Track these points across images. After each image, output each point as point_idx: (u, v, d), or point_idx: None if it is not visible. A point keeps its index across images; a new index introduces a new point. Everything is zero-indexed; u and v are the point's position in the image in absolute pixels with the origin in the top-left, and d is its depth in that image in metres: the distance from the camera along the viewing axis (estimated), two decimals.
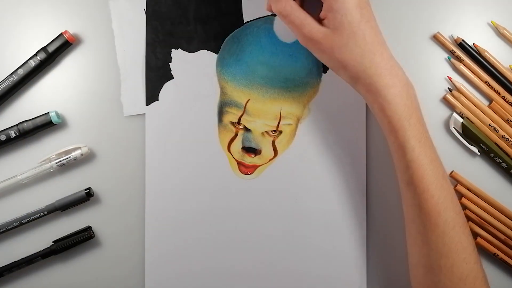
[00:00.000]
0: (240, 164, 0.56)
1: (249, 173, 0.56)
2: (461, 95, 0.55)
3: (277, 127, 0.56)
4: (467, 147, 0.56)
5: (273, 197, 0.56)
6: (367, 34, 0.47)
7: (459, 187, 0.56)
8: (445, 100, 0.56)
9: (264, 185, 0.56)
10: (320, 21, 0.48)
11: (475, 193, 0.56)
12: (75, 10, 0.56)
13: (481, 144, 0.55)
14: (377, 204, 0.57)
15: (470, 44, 0.56)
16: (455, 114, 0.55)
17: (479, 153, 0.56)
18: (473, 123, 0.55)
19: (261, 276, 0.57)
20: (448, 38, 0.56)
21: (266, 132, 0.56)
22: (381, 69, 0.47)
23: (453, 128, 0.55)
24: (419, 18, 0.56)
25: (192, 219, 0.56)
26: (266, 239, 0.56)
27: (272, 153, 0.56)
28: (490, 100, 0.56)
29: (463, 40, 0.55)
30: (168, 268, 0.56)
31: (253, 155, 0.56)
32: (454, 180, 0.56)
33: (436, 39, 0.56)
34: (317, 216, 0.56)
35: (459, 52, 0.55)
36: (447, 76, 0.56)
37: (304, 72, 0.55)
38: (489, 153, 0.56)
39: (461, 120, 0.55)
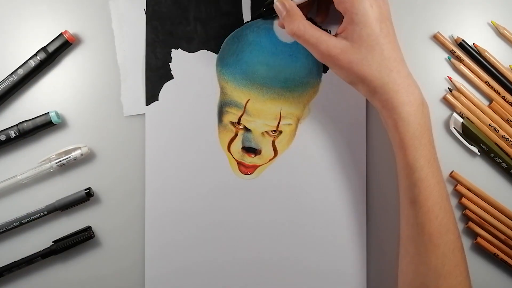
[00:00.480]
0: (240, 164, 0.56)
1: (249, 173, 0.56)
2: (461, 95, 0.55)
3: (277, 127, 0.56)
4: (467, 147, 0.56)
5: (273, 197, 0.56)
6: (385, 49, 0.47)
7: (459, 187, 0.56)
8: (445, 100, 0.56)
9: (264, 185, 0.56)
10: (338, 36, 0.48)
11: (475, 193, 0.56)
12: (75, 10, 0.56)
13: (481, 144, 0.55)
14: (377, 204, 0.56)
15: (470, 44, 0.56)
16: (455, 114, 0.55)
17: (479, 153, 0.56)
18: (473, 123, 0.55)
19: (261, 276, 0.57)
20: (448, 38, 0.56)
21: (266, 132, 0.56)
22: (398, 86, 0.47)
23: (453, 128, 0.55)
24: (419, 18, 0.56)
25: (192, 219, 0.56)
26: (266, 239, 0.56)
27: (272, 153, 0.56)
28: (490, 100, 0.56)
29: (463, 40, 0.55)
30: (168, 268, 0.56)
31: (253, 155, 0.56)
32: (454, 180, 0.56)
33: (436, 39, 0.56)
34: (317, 216, 0.56)
35: (459, 52, 0.55)
36: (447, 76, 0.56)
37: (304, 72, 0.55)
38: (489, 153, 0.55)
39: (461, 120, 0.55)
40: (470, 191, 0.56)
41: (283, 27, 0.51)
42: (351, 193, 0.56)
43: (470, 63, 0.55)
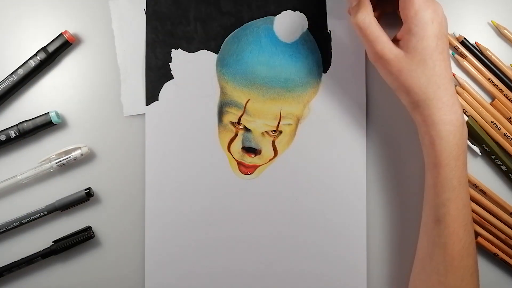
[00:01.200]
0: (240, 164, 0.56)
1: (249, 173, 0.56)
2: (465, 91, 0.55)
3: (277, 127, 0.56)
4: (469, 146, 0.55)
5: (273, 197, 0.56)
6: (437, 65, 0.47)
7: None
8: None
9: (264, 185, 0.56)
10: (394, 41, 0.48)
11: (478, 191, 0.56)
12: (75, 10, 0.56)
13: (483, 145, 0.55)
14: (377, 204, 0.56)
15: (472, 43, 0.55)
16: None
17: (480, 154, 0.56)
18: (477, 122, 0.55)
19: (261, 276, 0.57)
20: (451, 35, 0.56)
21: (266, 132, 0.56)
22: (443, 103, 0.47)
23: None
24: None
25: (192, 219, 0.56)
26: (266, 239, 0.56)
27: (272, 153, 0.56)
28: (493, 97, 0.56)
29: (465, 38, 0.55)
30: (168, 268, 0.56)
31: (253, 155, 0.56)
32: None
33: None
34: (317, 216, 0.56)
35: (462, 49, 0.55)
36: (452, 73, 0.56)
37: (304, 72, 0.55)
38: (491, 154, 0.55)
39: (465, 118, 0.55)
40: (473, 188, 0.56)
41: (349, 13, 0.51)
42: (351, 193, 0.56)
43: (473, 60, 0.55)
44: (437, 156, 0.47)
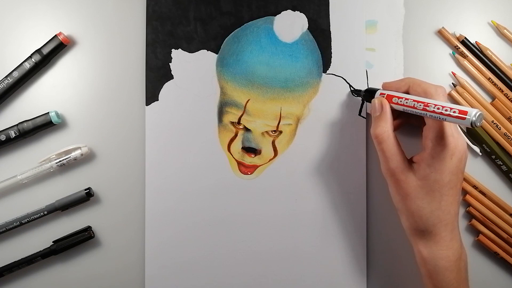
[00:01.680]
0: (240, 164, 0.56)
1: (249, 173, 0.56)
2: (465, 91, 0.55)
3: (277, 127, 0.56)
4: (469, 146, 0.55)
5: (273, 197, 0.56)
6: (444, 200, 0.47)
7: (464, 184, 0.55)
8: (450, 97, 0.56)
9: (264, 185, 0.56)
10: (410, 161, 0.49)
11: (480, 191, 0.56)
12: (69, 11, 0.56)
13: (483, 145, 0.55)
14: (377, 204, 0.56)
15: (472, 42, 0.55)
16: None
17: (480, 154, 0.56)
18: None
19: (261, 275, 0.57)
20: (452, 34, 0.56)
21: (266, 132, 0.56)
22: (440, 238, 0.47)
23: (457, 127, 0.55)
24: (424, 13, 0.56)
25: (192, 219, 0.56)
26: (265, 239, 0.56)
27: (272, 153, 0.56)
28: (493, 97, 0.56)
29: (465, 37, 0.55)
30: (168, 267, 0.56)
31: (253, 155, 0.56)
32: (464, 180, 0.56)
33: (441, 34, 0.55)
34: (317, 216, 0.56)
35: (463, 48, 0.55)
36: (451, 72, 0.56)
37: (304, 72, 0.55)
38: (491, 154, 0.55)
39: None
40: (475, 188, 0.56)
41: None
42: (351, 193, 0.56)
43: (474, 60, 0.55)
44: None
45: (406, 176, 0.47)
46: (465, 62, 0.55)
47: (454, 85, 0.56)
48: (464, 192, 0.56)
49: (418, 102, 0.46)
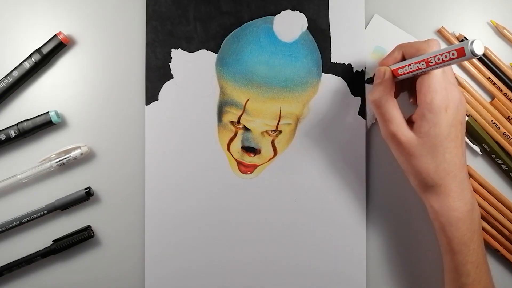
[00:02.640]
0: (239, 163, 0.56)
1: (248, 172, 0.56)
2: (464, 90, 0.55)
3: (277, 126, 0.56)
4: (469, 145, 0.55)
5: (273, 197, 0.56)
6: (447, 153, 0.47)
7: (470, 180, 0.55)
8: None
9: (264, 185, 0.56)
10: (409, 122, 0.49)
11: (486, 189, 0.56)
12: (68, 11, 0.56)
13: (483, 144, 0.55)
14: (377, 203, 0.56)
15: None
16: None
17: (480, 153, 0.56)
18: (477, 122, 0.55)
19: (261, 275, 0.57)
20: (451, 34, 0.56)
21: (266, 131, 0.56)
22: (450, 190, 0.47)
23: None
24: (424, 12, 0.56)
25: (191, 218, 0.56)
26: (265, 238, 0.56)
27: (272, 153, 0.56)
28: (492, 96, 0.56)
29: (465, 37, 0.55)
30: (167, 267, 0.56)
31: (252, 155, 0.56)
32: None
33: (440, 33, 0.55)
34: (316, 215, 0.56)
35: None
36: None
37: (303, 71, 0.55)
38: (491, 153, 0.55)
39: (466, 118, 0.55)
40: (481, 186, 0.56)
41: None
42: (350, 192, 0.56)
43: (473, 59, 0.55)
44: (449, 242, 0.48)
45: (406, 137, 0.47)
46: (465, 62, 0.55)
47: None
48: None
49: (419, 62, 0.46)
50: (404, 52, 0.49)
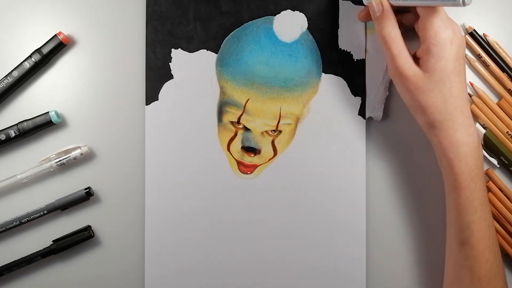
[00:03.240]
0: (239, 163, 0.56)
1: (248, 172, 0.56)
2: (481, 101, 0.55)
3: (277, 126, 0.56)
4: (487, 158, 0.55)
5: (273, 197, 0.56)
6: (454, 87, 0.47)
7: (490, 183, 0.55)
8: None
9: (264, 185, 0.56)
10: (414, 58, 0.48)
11: (505, 194, 0.55)
12: (68, 11, 0.56)
13: (501, 157, 0.55)
14: (376, 203, 0.56)
15: (480, 34, 0.55)
16: (478, 125, 0.55)
17: (498, 166, 0.55)
18: (495, 136, 0.55)
19: (260, 275, 0.57)
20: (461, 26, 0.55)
21: (266, 131, 0.56)
22: (459, 125, 0.47)
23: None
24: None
25: (191, 218, 0.56)
26: (265, 238, 0.56)
27: (272, 153, 0.56)
28: (500, 97, 0.55)
29: (474, 30, 0.55)
30: (167, 267, 0.56)
31: (252, 155, 0.56)
32: (488, 177, 0.55)
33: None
34: (316, 215, 0.56)
35: (471, 41, 0.55)
36: (469, 82, 0.55)
37: (303, 71, 0.55)
38: (509, 166, 0.55)
39: (483, 131, 0.55)
40: (501, 191, 0.55)
41: (363, 19, 0.52)
42: (350, 192, 0.56)
43: (483, 54, 0.55)
44: (457, 178, 0.47)
45: (413, 72, 0.47)
46: (476, 64, 0.55)
47: (470, 95, 0.55)
48: (487, 189, 0.55)
49: None
50: None
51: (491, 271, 0.48)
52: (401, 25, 0.50)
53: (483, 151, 0.55)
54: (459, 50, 0.47)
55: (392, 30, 0.48)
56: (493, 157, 0.55)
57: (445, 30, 0.46)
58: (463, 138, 0.47)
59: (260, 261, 0.56)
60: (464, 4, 0.42)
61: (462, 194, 0.48)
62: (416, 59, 0.48)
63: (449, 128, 0.47)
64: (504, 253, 0.55)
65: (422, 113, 0.48)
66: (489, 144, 0.55)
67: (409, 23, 0.51)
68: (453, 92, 0.47)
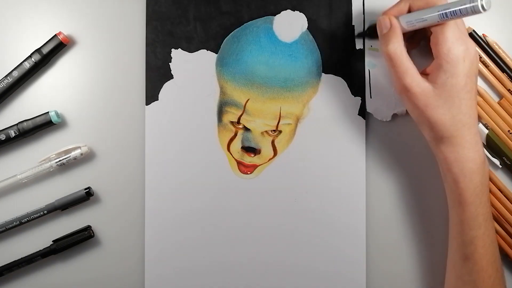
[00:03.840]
0: (239, 163, 0.56)
1: (248, 172, 0.56)
2: (481, 98, 0.55)
3: (277, 126, 0.56)
4: (489, 158, 0.55)
5: (273, 197, 0.56)
6: (463, 104, 0.47)
7: (490, 184, 0.55)
8: None
9: (264, 185, 0.56)
10: (422, 74, 0.48)
11: (505, 195, 0.55)
12: (68, 11, 0.56)
13: (503, 157, 0.55)
14: (376, 203, 0.56)
15: (479, 35, 0.55)
16: (480, 125, 0.55)
17: (501, 166, 0.55)
18: (497, 136, 0.55)
19: (260, 275, 0.56)
20: None
21: (266, 131, 0.56)
22: (465, 141, 0.47)
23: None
24: None
25: (191, 218, 0.56)
26: (265, 239, 0.56)
27: (272, 153, 0.56)
28: (501, 96, 0.55)
29: (473, 30, 0.55)
30: (167, 267, 0.56)
31: (252, 155, 0.56)
32: None
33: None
34: (316, 215, 0.56)
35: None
36: None
37: (303, 71, 0.55)
38: (511, 166, 0.55)
39: (486, 131, 0.54)
40: (501, 191, 0.55)
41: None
42: (350, 192, 0.56)
43: (486, 59, 0.55)
44: (462, 194, 0.48)
45: (422, 88, 0.47)
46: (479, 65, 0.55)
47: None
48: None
49: (430, 15, 0.46)
50: (411, 4, 0.48)
51: (494, 286, 0.48)
52: (411, 45, 0.50)
53: (486, 151, 0.55)
54: (471, 67, 0.47)
55: (398, 47, 0.47)
56: (495, 158, 0.55)
57: (459, 46, 0.46)
58: (469, 155, 0.47)
59: (259, 262, 0.56)
60: (483, 9, 0.41)
61: (466, 209, 0.48)
62: (424, 74, 0.48)
63: (456, 144, 0.47)
64: (504, 254, 0.55)
65: (430, 129, 0.48)
66: (492, 145, 0.55)
67: (418, 44, 0.52)
68: (462, 109, 0.47)
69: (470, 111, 0.47)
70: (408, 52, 0.49)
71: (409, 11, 0.49)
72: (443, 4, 0.45)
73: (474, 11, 0.42)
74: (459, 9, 0.43)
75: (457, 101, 0.46)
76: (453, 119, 0.47)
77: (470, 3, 0.42)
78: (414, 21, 0.47)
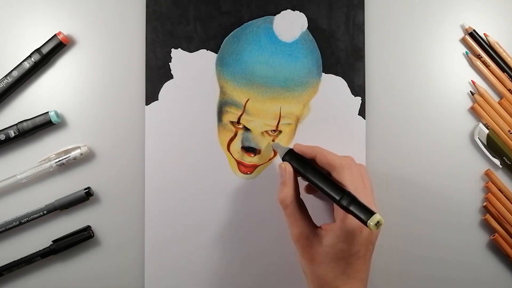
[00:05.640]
0: (239, 163, 0.56)
1: (248, 172, 0.56)
2: (482, 99, 0.55)
3: (277, 126, 0.56)
4: (489, 158, 0.55)
5: (273, 197, 0.56)
6: (349, 267, 0.47)
7: (489, 184, 0.55)
8: (472, 110, 0.55)
9: (264, 185, 0.56)
10: (321, 227, 0.48)
11: (505, 195, 0.55)
12: (68, 11, 0.56)
13: (504, 157, 0.55)
14: (376, 203, 0.56)
15: (480, 34, 0.55)
16: (481, 125, 0.55)
17: (501, 166, 0.55)
18: (498, 136, 0.55)
19: (260, 275, 0.56)
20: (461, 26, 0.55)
21: (266, 131, 0.56)
22: None
23: (477, 138, 0.55)
24: (426, 9, 0.56)
25: (191, 218, 0.56)
26: (265, 238, 0.56)
27: (272, 153, 0.56)
28: (501, 96, 0.55)
29: (474, 30, 0.55)
30: (167, 267, 0.56)
31: (252, 155, 0.56)
32: (487, 177, 0.56)
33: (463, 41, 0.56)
34: (316, 215, 0.56)
35: (470, 41, 0.55)
36: (471, 80, 0.55)
37: (303, 71, 0.55)
38: (511, 166, 0.55)
39: (486, 131, 0.54)
40: (501, 191, 0.55)
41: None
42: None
43: (481, 53, 0.55)
44: None
45: (311, 242, 0.48)
46: (478, 63, 0.55)
47: (472, 93, 0.55)
48: (487, 190, 0.56)
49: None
50: (317, 158, 0.49)
51: None
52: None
53: (487, 151, 0.55)
54: (369, 236, 0.47)
55: (288, 198, 0.48)
56: (495, 158, 0.55)
57: (354, 219, 0.44)
58: None
59: (259, 261, 0.56)
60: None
61: None
62: (320, 228, 0.48)
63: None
64: (504, 254, 0.55)
65: (312, 280, 0.49)
66: (492, 145, 0.55)
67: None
68: (347, 271, 0.47)
69: (356, 274, 0.47)
70: (313, 193, 0.50)
71: (314, 159, 0.49)
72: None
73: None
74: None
75: (343, 264, 0.47)
76: (335, 278, 0.47)
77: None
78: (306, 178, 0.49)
